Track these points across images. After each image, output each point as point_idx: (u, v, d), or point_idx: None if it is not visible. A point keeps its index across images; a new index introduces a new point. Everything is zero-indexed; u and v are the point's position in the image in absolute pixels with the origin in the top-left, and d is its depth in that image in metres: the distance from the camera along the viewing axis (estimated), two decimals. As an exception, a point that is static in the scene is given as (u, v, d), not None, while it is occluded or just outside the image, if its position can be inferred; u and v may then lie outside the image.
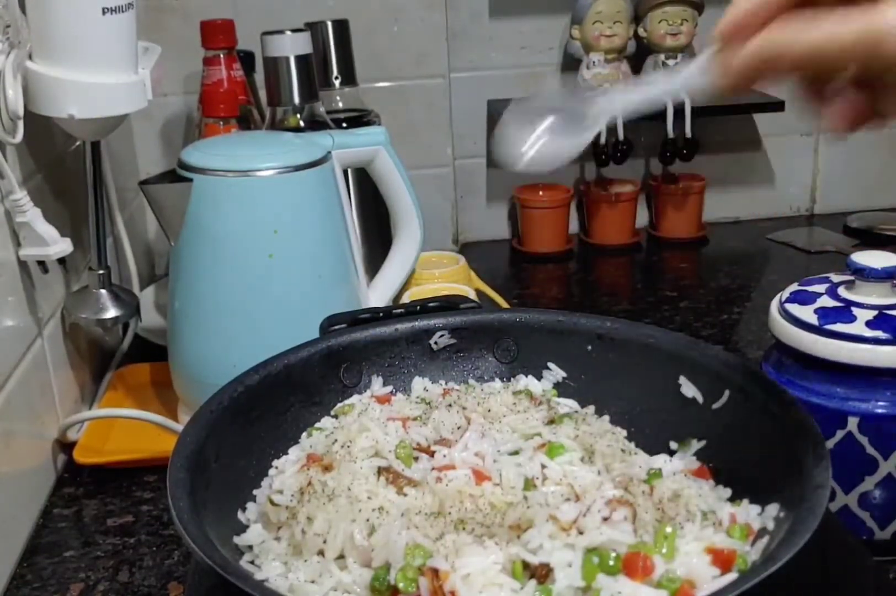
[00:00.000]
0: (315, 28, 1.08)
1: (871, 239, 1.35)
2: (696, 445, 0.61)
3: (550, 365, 0.68)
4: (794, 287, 0.74)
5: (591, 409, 0.65)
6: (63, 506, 0.82)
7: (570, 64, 1.35)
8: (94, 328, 0.95)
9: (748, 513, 0.53)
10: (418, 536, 0.51)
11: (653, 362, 0.64)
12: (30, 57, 0.78)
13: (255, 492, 0.59)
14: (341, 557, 0.52)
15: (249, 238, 0.82)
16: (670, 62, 1.31)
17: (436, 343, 0.69)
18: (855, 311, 0.68)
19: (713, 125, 1.39)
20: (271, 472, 0.60)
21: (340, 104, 1.13)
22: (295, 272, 0.84)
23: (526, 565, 0.49)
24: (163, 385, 0.95)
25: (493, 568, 0.49)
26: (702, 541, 0.51)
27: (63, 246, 0.82)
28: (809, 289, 0.73)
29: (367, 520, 0.52)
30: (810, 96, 0.47)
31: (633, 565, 0.48)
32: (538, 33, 1.36)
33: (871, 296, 0.69)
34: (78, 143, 0.95)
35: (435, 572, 0.48)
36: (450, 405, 0.63)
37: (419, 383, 0.68)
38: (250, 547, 0.55)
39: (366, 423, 0.60)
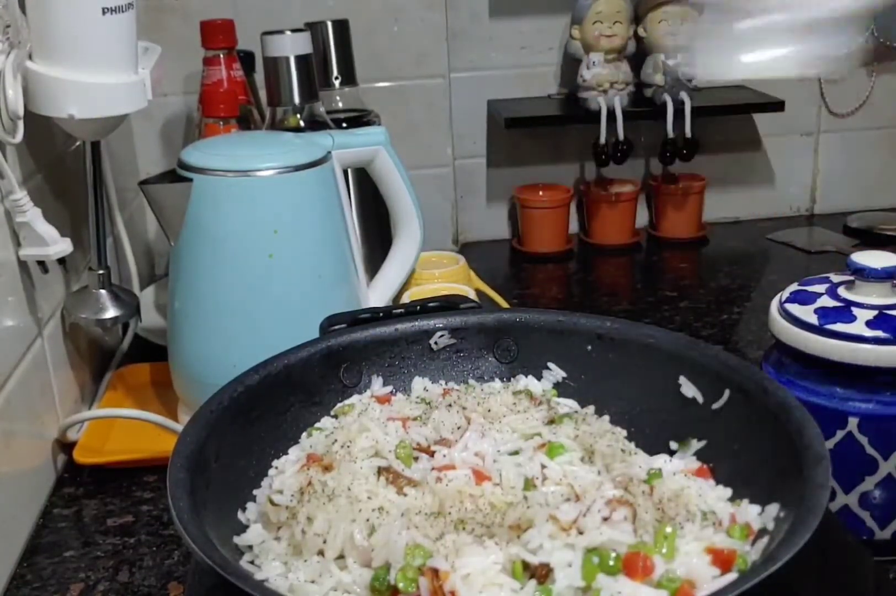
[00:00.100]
0: (315, 28, 1.08)
1: (871, 239, 1.35)
2: (696, 445, 0.61)
3: (550, 365, 0.68)
4: (794, 287, 0.74)
5: (591, 409, 0.65)
6: (63, 506, 0.82)
7: (570, 64, 1.35)
8: (93, 328, 0.95)
9: (748, 513, 0.53)
10: (418, 536, 0.51)
11: (653, 362, 0.64)
12: (30, 57, 0.78)
13: (255, 492, 0.59)
14: (341, 557, 0.52)
15: (249, 238, 0.82)
16: (670, 62, 1.31)
17: (436, 343, 0.69)
18: (855, 311, 0.68)
19: (713, 125, 1.39)
20: (271, 472, 0.60)
21: (340, 104, 1.13)
22: (295, 272, 0.84)
23: (526, 565, 0.49)
24: (163, 385, 0.95)
25: (493, 568, 0.49)
26: (702, 541, 0.51)
27: (63, 246, 0.82)
28: (809, 289, 0.73)
29: (367, 520, 0.52)
30: None
31: (633, 565, 0.48)
32: (538, 33, 1.36)
33: (871, 296, 0.69)
34: (78, 143, 0.95)
35: (435, 572, 0.48)
36: (450, 405, 0.63)
37: (419, 383, 0.68)
38: (250, 547, 0.55)
39: (366, 423, 0.60)
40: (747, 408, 0.58)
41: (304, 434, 0.63)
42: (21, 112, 0.75)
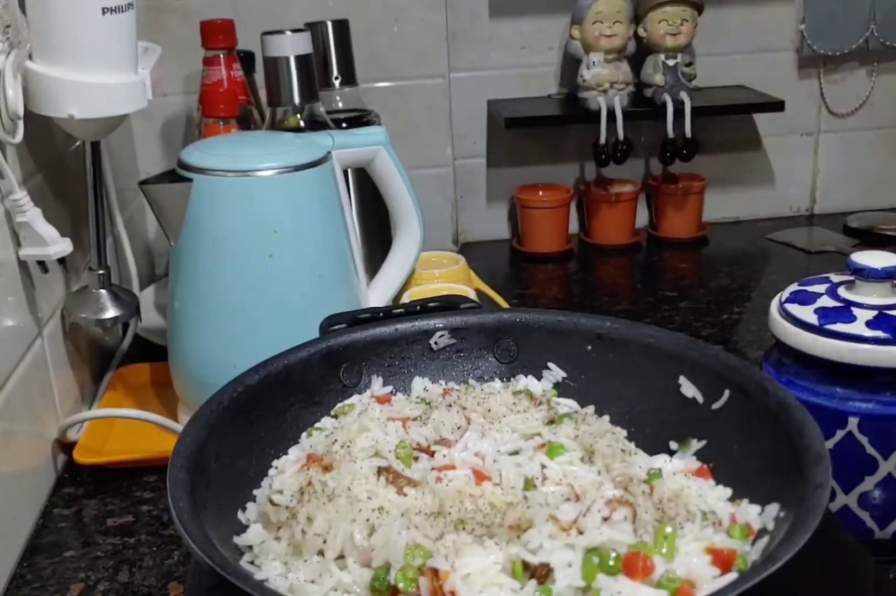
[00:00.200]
0: (315, 28, 1.08)
1: (871, 239, 1.35)
2: (696, 445, 0.61)
3: (550, 365, 0.68)
4: (794, 287, 0.74)
5: (591, 409, 0.65)
6: (63, 506, 0.82)
7: (570, 64, 1.35)
8: (93, 328, 0.95)
9: (748, 513, 0.53)
10: (418, 536, 0.51)
11: (653, 362, 0.64)
12: (30, 57, 0.78)
13: (255, 492, 0.59)
14: (341, 557, 0.52)
15: (249, 238, 0.82)
16: (670, 62, 1.31)
17: (436, 343, 0.69)
18: (855, 311, 0.68)
19: (713, 125, 1.39)
20: (271, 472, 0.60)
21: (340, 104, 1.13)
22: (295, 272, 0.84)
23: (526, 565, 0.49)
24: (163, 385, 0.95)
25: (493, 568, 0.49)
26: (702, 541, 0.51)
27: (63, 246, 0.82)
28: (809, 289, 0.73)
29: (367, 520, 0.52)
30: None
31: (633, 565, 0.48)
32: (538, 33, 1.36)
33: (871, 296, 0.69)
34: (78, 143, 0.95)
35: (435, 572, 0.48)
36: (450, 405, 0.63)
37: (419, 383, 0.68)
38: (250, 547, 0.55)
39: (366, 423, 0.60)
40: (747, 408, 0.58)
41: (304, 434, 0.63)
42: (21, 112, 0.75)
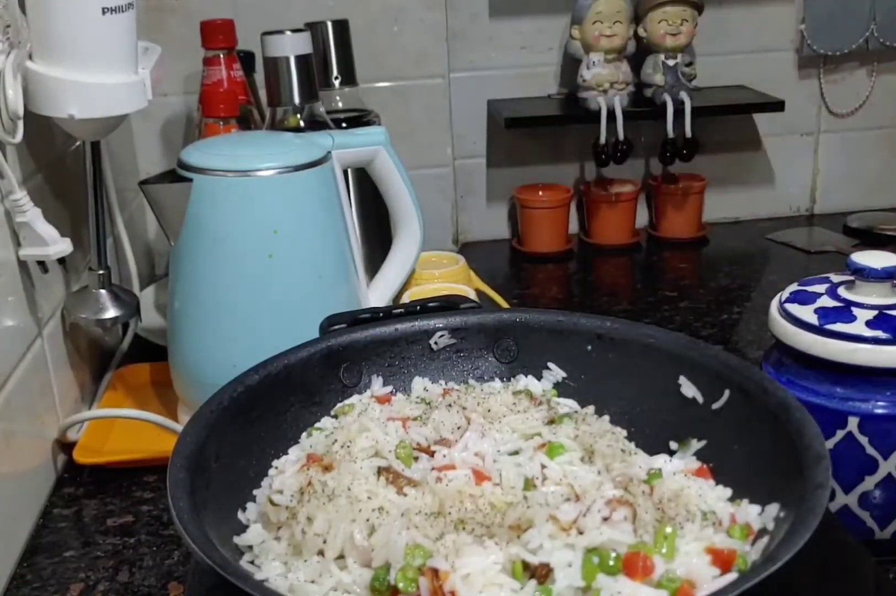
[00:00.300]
0: (315, 28, 1.08)
1: (871, 239, 1.35)
2: (696, 445, 0.61)
3: (550, 365, 0.68)
4: (794, 287, 0.74)
5: (591, 409, 0.65)
6: (63, 506, 0.82)
7: (570, 64, 1.35)
8: (93, 328, 0.95)
9: (748, 513, 0.53)
10: (418, 536, 0.51)
11: (653, 362, 0.64)
12: (30, 57, 0.78)
13: (255, 492, 0.59)
14: (341, 557, 0.52)
15: (249, 238, 0.82)
16: (670, 62, 1.31)
17: (436, 343, 0.69)
18: (855, 311, 0.68)
19: (713, 125, 1.39)
20: (271, 472, 0.60)
21: (340, 104, 1.13)
22: (295, 272, 0.84)
23: (526, 565, 0.49)
24: (163, 385, 0.95)
25: (493, 568, 0.49)
26: (702, 541, 0.51)
27: (63, 246, 0.82)
28: (809, 289, 0.73)
29: (367, 520, 0.52)
30: None
31: (633, 565, 0.48)
32: (538, 33, 1.36)
33: (871, 296, 0.69)
34: (78, 143, 0.95)
35: (435, 572, 0.48)
36: (450, 405, 0.63)
37: (419, 383, 0.68)
38: (250, 547, 0.55)
39: (366, 423, 0.60)
40: (747, 408, 0.58)
41: (304, 434, 0.63)
42: (21, 112, 0.75)
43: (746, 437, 0.58)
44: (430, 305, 0.70)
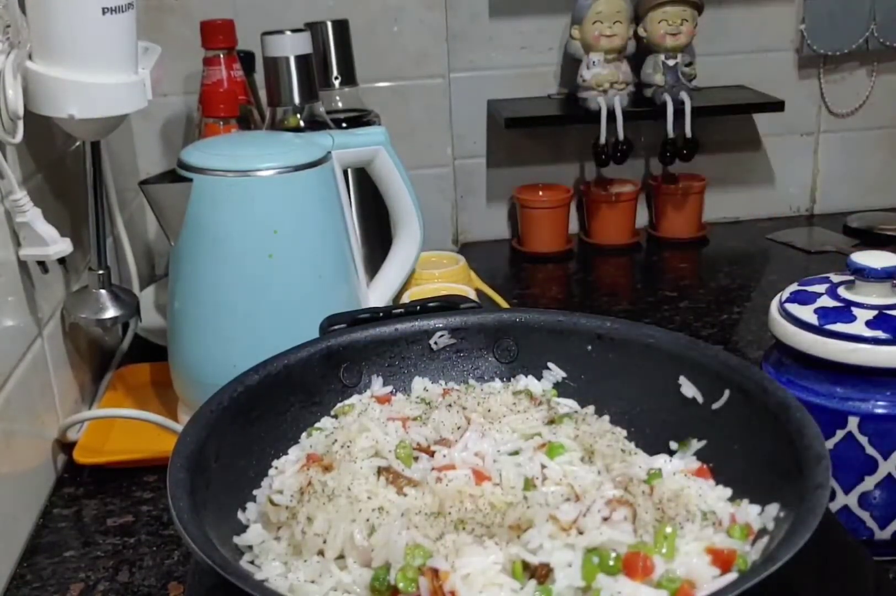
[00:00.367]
0: (315, 28, 1.08)
1: (871, 239, 1.35)
2: (696, 445, 0.61)
3: (550, 365, 0.68)
4: (794, 287, 0.74)
5: (591, 409, 0.65)
6: (63, 506, 0.82)
7: (570, 64, 1.35)
8: (93, 328, 0.95)
9: (748, 513, 0.53)
10: (418, 536, 0.51)
11: (653, 362, 0.64)
12: (30, 57, 0.78)
13: (255, 492, 0.59)
14: (341, 557, 0.52)
15: (249, 238, 0.82)
16: (670, 62, 1.31)
17: (436, 343, 0.69)
18: (855, 311, 0.68)
19: (713, 125, 1.39)
20: (271, 472, 0.60)
21: (340, 104, 1.13)
22: (295, 272, 0.84)
23: (526, 565, 0.49)
24: (163, 385, 0.95)
25: (493, 568, 0.49)
26: (702, 541, 0.51)
27: (63, 246, 0.82)
28: (809, 289, 0.73)
29: (367, 520, 0.52)
30: None
31: (633, 565, 0.48)
32: (538, 33, 1.36)
33: (871, 296, 0.69)
34: (78, 143, 0.95)
35: (435, 572, 0.48)
36: (450, 405, 0.63)
37: (419, 383, 0.68)
38: (250, 547, 0.55)
39: (366, 423, 0.60)
40: (747, 408, 0.58)
41: (304, 434, 0.63)
42: (21, 112, 0.75)
43: (746, 437, 0.58)
44: (430, 305, 0.70)
